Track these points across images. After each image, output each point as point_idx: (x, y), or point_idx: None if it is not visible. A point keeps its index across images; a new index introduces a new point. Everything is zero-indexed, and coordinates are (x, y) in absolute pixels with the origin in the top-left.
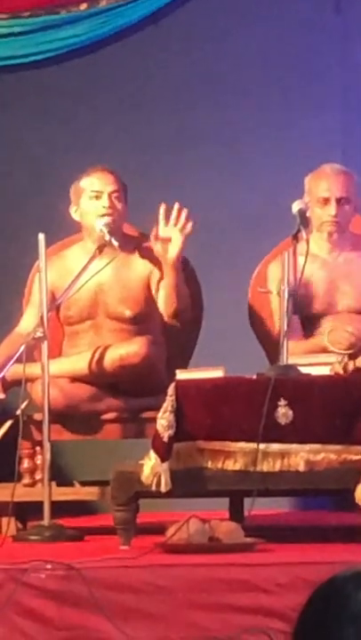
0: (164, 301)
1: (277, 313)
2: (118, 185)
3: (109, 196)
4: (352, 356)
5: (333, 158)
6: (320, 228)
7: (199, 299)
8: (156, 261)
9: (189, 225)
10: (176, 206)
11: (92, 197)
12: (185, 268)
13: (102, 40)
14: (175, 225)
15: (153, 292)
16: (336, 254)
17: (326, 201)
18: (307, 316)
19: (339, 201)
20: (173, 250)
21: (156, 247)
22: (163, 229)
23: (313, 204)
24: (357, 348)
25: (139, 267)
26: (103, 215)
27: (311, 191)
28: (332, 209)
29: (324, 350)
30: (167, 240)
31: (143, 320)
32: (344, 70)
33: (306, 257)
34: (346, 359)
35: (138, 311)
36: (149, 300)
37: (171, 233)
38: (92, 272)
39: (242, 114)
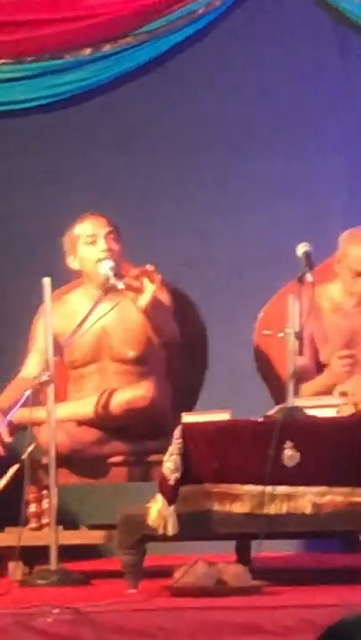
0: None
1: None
2: (111, 226)
3: (105, 238)
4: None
5: (339, 200)
6: (349, 292)
7: (204, 341)
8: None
9: (158, 277)
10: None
11: (87, 243)
12: (190, 309)
13: (106, 84)
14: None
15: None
16: (360, 308)
17: (360, 275)
18: (325, 364)
19: None
20: (145, 297)
21: (131, 295)
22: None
23: (345, 266)
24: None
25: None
26: (103, 259)
27: (346, 254)
28: None
29: (331, 387)
30: (139, 290)
31: (147, 361)
32: (348, 112)
33: (312, 299)
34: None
35: (141, 351)
36: (151, 340)
37: (144, 282)
38: (97, 316)
39: (246, 156)
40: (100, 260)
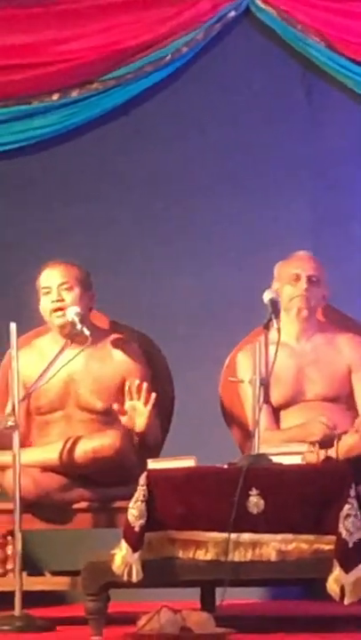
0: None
1: (248, 402)
2: (69, 277)
3: (57, 289)
4: (323, 445)
5: (305, 245)
6: (289, 306)
7: (170, 388)
8: (132, 355)
9: (152, 396)
10: (136, 382)
11: (44, 294)
12: (156, 356)
13: (74, 130)
14: (138, 399)
15: (126, 396)
16: (304, 341)
17: (298, 277)
18: (277, 405)
19: (310, 278)
20: (140, 421)
21: (124, 420)
22: (128, 403)
23: (283, 287)
24: (330, 438)
25: (113, 360)
26: (54, 310)
27: (281, 275)
28: (303, 284)
29: (301, 441)
30: (133, 412)
31: (114, 412)
32: (313, 156)
33: (277, 346)
34: (317, 448)
35: (110, 403)
36: (122, 394)
37: (135, 405)
38: (63, 362)
39: (213, 202)
40: (53, 311)
